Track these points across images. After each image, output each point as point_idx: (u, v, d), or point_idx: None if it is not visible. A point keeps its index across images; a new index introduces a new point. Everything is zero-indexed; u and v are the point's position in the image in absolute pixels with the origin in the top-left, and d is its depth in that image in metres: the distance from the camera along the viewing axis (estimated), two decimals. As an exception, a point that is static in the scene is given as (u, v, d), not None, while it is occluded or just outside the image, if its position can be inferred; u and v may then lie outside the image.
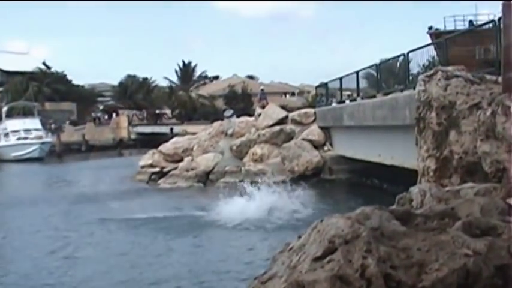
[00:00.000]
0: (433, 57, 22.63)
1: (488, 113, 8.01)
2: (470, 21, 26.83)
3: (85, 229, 22.66)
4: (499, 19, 13.16)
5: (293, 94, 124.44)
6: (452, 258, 3.96)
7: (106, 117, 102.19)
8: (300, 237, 4.92)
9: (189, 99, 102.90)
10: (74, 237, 21.37)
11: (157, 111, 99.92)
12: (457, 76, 10.47)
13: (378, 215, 4.71)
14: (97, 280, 15.74)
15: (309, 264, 4.21)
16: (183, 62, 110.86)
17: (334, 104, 33.40)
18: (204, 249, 19.13)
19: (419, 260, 4.02)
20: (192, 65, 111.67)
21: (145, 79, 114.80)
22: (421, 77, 11.42)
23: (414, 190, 6.87)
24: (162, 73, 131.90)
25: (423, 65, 22.43)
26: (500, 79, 9.31)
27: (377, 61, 28.48)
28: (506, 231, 4.28)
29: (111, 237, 21.25)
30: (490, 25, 17.49)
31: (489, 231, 4.34)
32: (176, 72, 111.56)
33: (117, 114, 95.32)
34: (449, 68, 11.44)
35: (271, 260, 5.06)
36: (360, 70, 29.93)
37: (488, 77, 11.04)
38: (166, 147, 40.50)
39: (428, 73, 11.14)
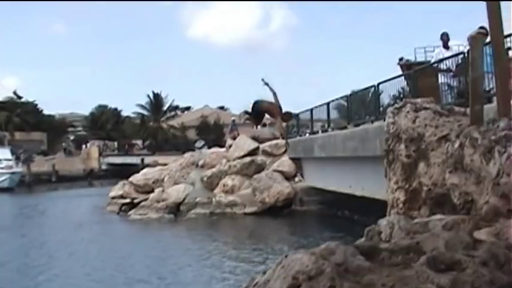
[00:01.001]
0: (403, 88, 22.69)
1: (457, 145, 8.03)
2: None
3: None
4: (468, 52, 13.26)
5: (264, 125, 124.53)
6: (417, 294, 3.93)
7: (84, 146, 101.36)
8: (265, 272, 4.88)
9: (160, 130, 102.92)
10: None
11: (129, 142, 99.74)
12: (426, 108, 10.50)
13: (342, 250, 4.68)
14: None
15: (272, 300, 4.17)
16: (153, 92, 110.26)
17: (307, 135, 33.38)
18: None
19: (383, 295, 3.98)
20: (164, 95, 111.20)
21: (115, 109, 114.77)
22: (390, 109, 11.43)
23: (383, 222, 6.86)
24: (133, 103, 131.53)
25: (393, 96, 22.50)
26: (468, 111, 9.35)
27: (348, 92, 28.53)
28: (471, 266, 4.26)
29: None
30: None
31: (453, 266, 4.31)
32: (143, 105, 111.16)
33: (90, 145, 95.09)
34: (418, 100, 11.46)
35: (237, 295, 5.02)
36: (331, 101, 30.02)
37: (456, 109, 11.09)
38: (137, 178, 40.31)
39: (397, 105, 11.17)
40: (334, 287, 4.03)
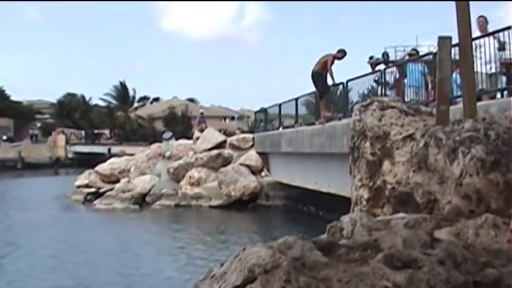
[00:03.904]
0: (372, 87, 22.82)
1: (421, 144, 8.05)
2: (414, 50, 27.31)
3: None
4: (436, 53, 13.41)
5: (233, 118, 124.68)
6: (372, 290, 3.93)
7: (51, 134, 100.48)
8: (222, 264, 4.86)
9: (127, 120, 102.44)
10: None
11: (95, 131, 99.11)
12: (392, 107, 10.53)
13: (300, 244, 4.67)
14: None
15: (228, 293, 4.16)
16: (120, 82, 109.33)
17: (281, 130, 33.27)
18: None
19: (339, 291, 3.98)
20: (133, 85, 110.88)
21: (84, 98, 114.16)
22: (356, 106, 11.47)
23: (345, 219, 6.84)
24: (102, 93, 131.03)
25: (362, 94, 22.60)
26: (434, 111, 9.40)
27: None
28: (427, 264, 4.27)
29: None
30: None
31: (410, 264, 4.32)
32: (112, 94, 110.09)
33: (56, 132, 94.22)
34: (385, 99, 11.52)
35: (193, 287, 4.99)
36: (300, 97, 30.02)
37: (423, 108, 11.14)
38: (103, 167, 40.16)
39: (364, 103, 11.20)
40: (290, 281, 4.01)
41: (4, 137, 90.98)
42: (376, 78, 22.24)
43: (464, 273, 4.33)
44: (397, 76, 21.11)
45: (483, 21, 16.82)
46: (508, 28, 14.03)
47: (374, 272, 4.11)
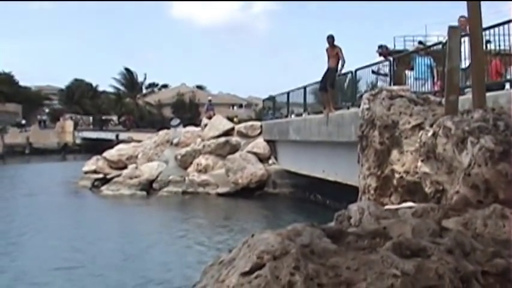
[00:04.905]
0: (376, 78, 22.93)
1: (430, 134, 8.03)
2: (420, 42, 27.36)
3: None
4: (446, 43, 13.38)
5: (241, 106, 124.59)
6: (380, 278, 3.92)
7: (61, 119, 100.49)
8: (230, 251, 4.87)
9: (135, 106, 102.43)
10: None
11: (103, 117, 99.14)
12: (401, 96, 10.52)
13: (309, 232, 4.67)
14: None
15: (236, 279, 4.15)
16: (126, 69, 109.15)
17: (290, 118, 33.19)
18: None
19: (347, 278, 3.98)
20: (142, 72, 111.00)
21: (91, 85, 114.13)
22: (365, 95, 11.45)
23: (353, 208, 6.83)
24: (111, 79, 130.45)
25: (371, 83, 22.61)
26: (443, 101, 9.38)
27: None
28: (436, 253, 4.27)
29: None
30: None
31: (419, 252, 4.32)
32: (120, 80, 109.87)
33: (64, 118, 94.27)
34: (394, 88, 11.51)
35: (202, 272, 5.00)
36: (308, 85, 29.93)
37: (432, 98, 11.12)
38: (111, 153, 40.15)
39: (373, 92, 11.19)
40: (299, 267, 4.02)
41: (23, 121, 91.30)
42: (376, 70, 22.46)
43: (472, 262, 4.33)
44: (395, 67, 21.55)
45: (464, 21, 16.79)
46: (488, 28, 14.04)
47: (383, 260, 4.11)
